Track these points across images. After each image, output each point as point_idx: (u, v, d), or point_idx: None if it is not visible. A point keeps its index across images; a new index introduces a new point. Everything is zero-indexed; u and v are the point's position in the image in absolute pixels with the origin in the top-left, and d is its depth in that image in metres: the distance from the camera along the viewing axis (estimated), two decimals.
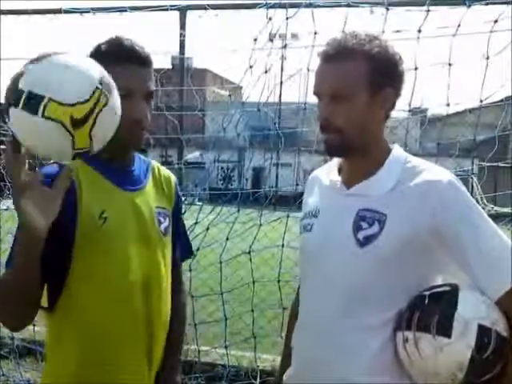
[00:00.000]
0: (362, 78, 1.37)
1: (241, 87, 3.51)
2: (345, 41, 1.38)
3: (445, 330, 1.26)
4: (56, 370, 1.46)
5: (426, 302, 1.32)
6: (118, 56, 1.42)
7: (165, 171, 1.67)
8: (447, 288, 1.34)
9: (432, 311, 1.29)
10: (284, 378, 1.56)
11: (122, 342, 1.45)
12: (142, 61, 1.45)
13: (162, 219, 1.55)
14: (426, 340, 1.27)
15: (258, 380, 3.58)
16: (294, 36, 3.51)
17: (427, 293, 1.33)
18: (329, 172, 1.54)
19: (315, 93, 1.43)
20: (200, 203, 3.86)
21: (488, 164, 3.23)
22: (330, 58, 1.39)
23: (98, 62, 1.39)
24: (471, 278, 1.34)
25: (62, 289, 1.42)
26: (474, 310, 1.28)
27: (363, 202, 1.40)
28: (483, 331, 1.26)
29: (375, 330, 1.36)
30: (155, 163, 1.65)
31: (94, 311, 1.42)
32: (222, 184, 23.28)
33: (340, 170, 1.51)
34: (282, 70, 3.56)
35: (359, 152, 1.43)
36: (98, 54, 1.43)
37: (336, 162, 1.54)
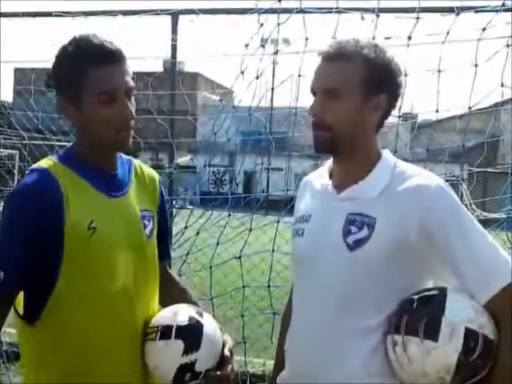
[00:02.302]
0: (358, 80, 1.40)
1: (232, 92, 3.52)
2: (346, 43, 1.43)
3: (432, 333, 1.28)
4: (38, 381, 1.43)
5: (415, 305, 1.33)
6: (91, 57, 1.38)
7: (148, 169, 1.63)
8: (436, 292, 1.35)
9: (420, 315, 1.31)
10: (278, 380, 1.57)
11: (110, 353, 1.42)
12: (118, 58, 1.41)
13: (146, 222, 1.54)
14: (414, 343, 1.29)
15: None
16: (286, 41, 3.53)
17: (416, 296, 1.35)
18: (320, 176, 1.56)
19: (311, 89, 1.47)
20: (191, 207, 3.86)
21: (477, 170, 3.26)
22: (329, 58, 1.43)
23: (68, 65, 1.38)
24: (460, 282, 1.35)
25: (46, 301, 1.39)
26: (461, 314, 1.29)
27: (353, 206, 1.42)
28: (470, 335, 1.27)
29: (368, 332, 1.37)
30: (136, 161, 1.61)
31: (80, 324, 1.39)
32: (214, 188, 23.28)
33: (331, 175, 1.53)
34: (273, 75, 3.58)
35: (347, 152, 1.45)
36: (68, 57, 1.39)
37: (327, 166, 1.56)
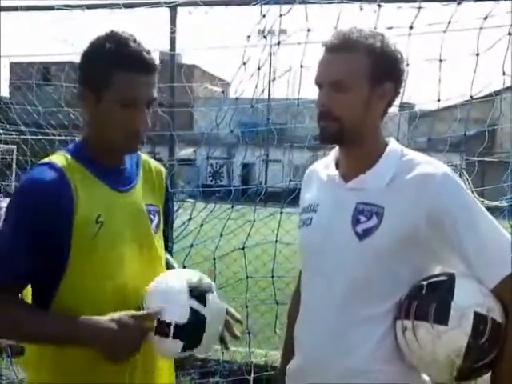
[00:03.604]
0: (364, 70, 1.41)
1: (229, 84, 3.52)
2: (349, 34, 1.42)
3: (442, 318, 1.30)
4: (42, 378, 1.44)
5: (424, 291, 1.36)
6: (124, 62, 1.38)
7: (155, 164, 1.64)
8: (444, 277, 1.38)
9: (429, 300, 1.33)
10: (287, 369, 1.58)
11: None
12: (150, 68, 1.41)
13: (152, 217, 1.55)
14: (424, 328, 1.31)
15: (252, 375, 3.61)
16: (283, 32, 3.53)
17: (425, 282, 1.37)
18: (326, 166, 1.56)
19: (317, 82, 1.47)
20: (191, 200, 3.86)
21: (476, 159, 3.28)
22: (333, 49, 1.43)
23: (100, 65, 1.39)
24: (468, 267, 1.38)
25: (54, 295, 1.40)
26: (470, 298, 1.32)
27: (361, 196, 1.43)
28: (479, 318, 1.30)
29: (377, 319, 1.39)
30: (144, 156, 1.63)
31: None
32: (212, 181, 23.26)
33: (338, 165, 1.53)
34: (270, 66, 3.57)
35: (354, 142, 1.45)
36: (101, 56, 1.40)
37: (333, 156, 1.57)
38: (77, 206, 1.38)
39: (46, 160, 1.46)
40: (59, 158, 1.46)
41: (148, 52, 1.42)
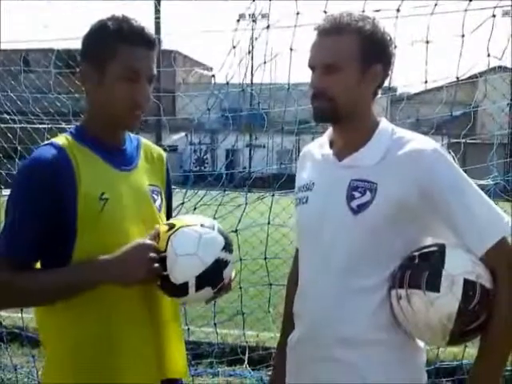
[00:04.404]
0: (354, 52, 1.46)
1: (211, 68, 3.52)
2: (340, 17, 1.48)
3: (434, 285, 1.38)
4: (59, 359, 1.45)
5: (416, 261, 1.43)
6: (128, 36, 1.43)
7: (155, 148, 1.68)
8: (435, 248, 1.45)
9: (422, 269, 1.41)
10: (288, 340, 1.64)
11: (126, 318, 1.46)
12: (151, 44, 1.47)
13: (155, 197, 1.58)
14: (418, 296, 1.39)
15: (247, 355, 3.67)
16: (264, 16, 3.54)
17: (417, 253, 1.45)
18: (321, 146, 1.62)
19: (310, 65, 1.52)
20: (174, 186, 3.87)
21: (461, 140, 3.34)
22: (325, 33, 1.48)
23: (104, 39, 1.43)
24: (458, 237, 1.45)
25: None
26: (459, 266, 1.39)
27: (355, 173, 1.49)
28: (469, 285, 1.37)
29: (373, 290, 1.46)
30: (144, 140, 1.66)
31: (96, 295, 1.42)
32: (196, 167, 23.18)
33: (331, 144, 1.59)
34: (251, 50, 3.58)
35: (347, 121, 1.51)
36: (105, 31, 1.44)
37: (327, 136, 1.62)
38: (79, 182, 1.41)
39: (46, 141, 1.49)
40: (60, 139, 1.49)
41: (149, 30, 1.48)
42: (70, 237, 1.41)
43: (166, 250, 1.43)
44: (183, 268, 1.42)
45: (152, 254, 1.41)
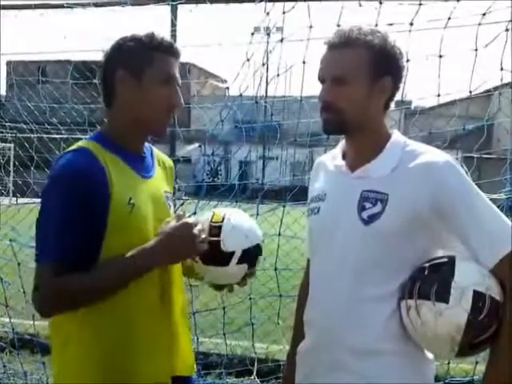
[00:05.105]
0: (364, 65, 1.49)
1: (225, 80, 3.55)
2: (349, 31, 1.50)
3: (443, 296, 1.38)
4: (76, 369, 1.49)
5: (426, 272, 1.44)
6: (162, 46, 1.56)
7: (165, 157, 1.78)
8: (445, 259, 1.46)
9: (431, 280, 1.41)
10: (298, 350, 1.65)
11: (148, 315, 1.52)
12: (179, 55, 1.61)
13: (170, 203, 1.67)
14: (427, 306, 1.39)
15: (255, 367, 3.66)
16: (279, 30, 3.57)
17: (427, 264, 1.45)
18: (334, 157, 1.64)
19: (319, 77, 1.54)
20: (186, 198, 3.89)
21: (475, 155, 3.33)
22: (335, 46, 1.51)
23: (141, 48, 1.56)
24: (468, 250, 1.45)
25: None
26: (469, 278, 1.40)
27: (366, 184, 1.51)
28: (478, 296, 1.38)
29: (384, 299, 1.47)
30: (155, 149, 1.74)
31: (120, 295, 1.46)
32: (209, 178, 23.23)
33: (344, 156, 1.61)
34: (266, 62, 3.60)
35: (357, 133, 1.53)
36: (140, 42, 1.56)
37: (340, 148, 1.64)
38: (112, 188, 1.48)
39: (75, 147, 1.54)
40: (88, 144, 1.54)
41: (176, 45, 1.62)
42: (99, 239, 1.46)
43: (222, 221, 1.60)
44: (236, 238, 1.58)
45: (197, 229, 1.50)
